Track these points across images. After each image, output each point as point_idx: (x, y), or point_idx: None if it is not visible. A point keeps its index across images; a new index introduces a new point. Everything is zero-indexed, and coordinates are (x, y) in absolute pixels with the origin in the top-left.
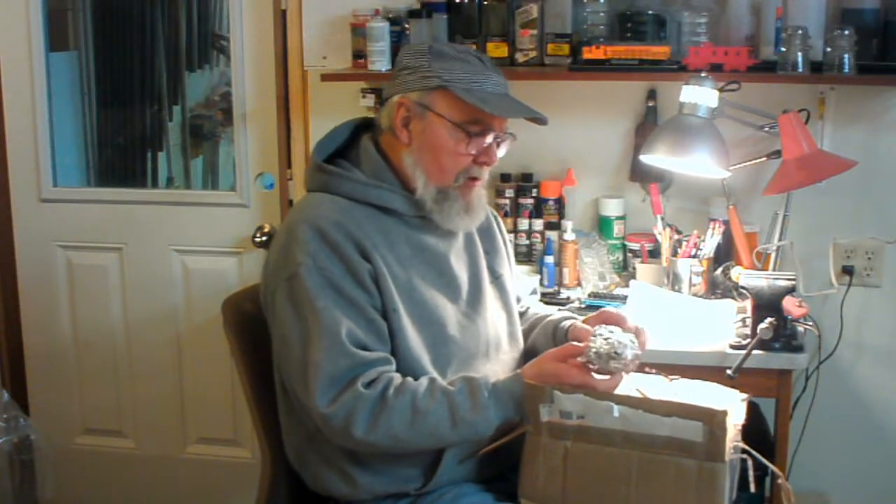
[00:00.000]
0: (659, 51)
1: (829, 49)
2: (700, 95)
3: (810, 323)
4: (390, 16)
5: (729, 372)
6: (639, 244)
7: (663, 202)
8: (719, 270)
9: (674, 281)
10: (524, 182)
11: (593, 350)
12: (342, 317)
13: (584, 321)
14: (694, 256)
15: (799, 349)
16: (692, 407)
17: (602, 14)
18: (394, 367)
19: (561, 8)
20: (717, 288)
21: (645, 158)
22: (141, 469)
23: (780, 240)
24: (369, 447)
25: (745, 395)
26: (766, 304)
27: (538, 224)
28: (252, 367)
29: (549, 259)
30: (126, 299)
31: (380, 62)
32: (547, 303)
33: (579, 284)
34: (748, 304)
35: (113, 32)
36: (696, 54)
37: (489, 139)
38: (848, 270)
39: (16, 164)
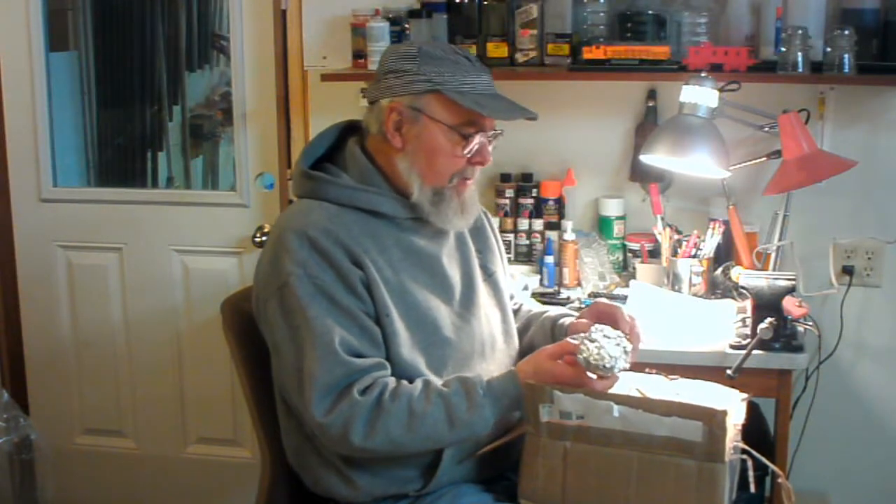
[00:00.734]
0: (659, 51)
1: (829, 49)
2: (700, 95)
3: (810, 323)
4: (390, 16)
5: (729, 372)
6: (639, 244)
7: (663, 202)
8: (719, 270)
9: (674, 281)
10: (524, 182)
11: (582, 357)
12: (335, 325)
13: (578, 315)
14: (694, 256)
15: (799, 349)
16: (692, 407)
17: (602, 14)
18: (388, 371)
19: (561, 8)
20: (717, 288)
21: (645, 158)
22: (141, 469)
23: (780, 240)
24: (368, 453)
25: (745, 395)
26: (766, 304)
27: (538, 224)
28: (251, 367)
29: (549, 259)
30: (126, 299)
31: None
32: (547, 303)
33: (579, 284)
34: (748, 304)
35: (113, 32)
36: (696, 54)
37: (482, 139)
38: (848, 270)
39: (16, 164)
